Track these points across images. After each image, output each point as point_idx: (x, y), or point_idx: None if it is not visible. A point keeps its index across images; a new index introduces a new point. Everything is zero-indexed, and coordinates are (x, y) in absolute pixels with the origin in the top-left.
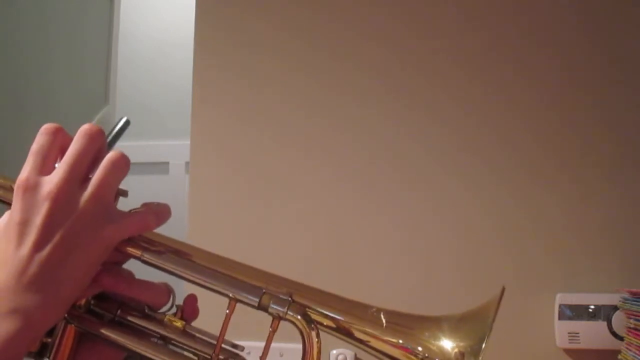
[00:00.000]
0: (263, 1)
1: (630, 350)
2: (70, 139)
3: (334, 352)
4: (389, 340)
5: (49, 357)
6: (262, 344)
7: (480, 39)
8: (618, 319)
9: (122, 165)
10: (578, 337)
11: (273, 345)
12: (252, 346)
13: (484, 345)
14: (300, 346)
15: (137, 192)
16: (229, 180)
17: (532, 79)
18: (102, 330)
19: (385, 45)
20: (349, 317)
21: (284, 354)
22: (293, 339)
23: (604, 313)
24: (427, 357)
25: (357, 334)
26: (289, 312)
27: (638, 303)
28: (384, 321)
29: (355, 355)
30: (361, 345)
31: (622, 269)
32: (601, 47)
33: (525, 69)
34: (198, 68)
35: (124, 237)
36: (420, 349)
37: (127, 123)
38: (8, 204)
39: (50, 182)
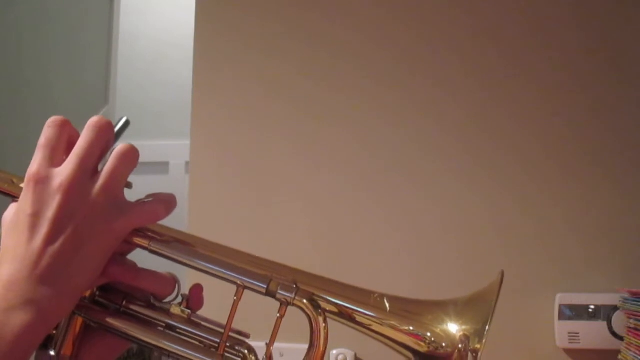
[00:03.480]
0: (263, 1)
1: (630, 350)
2: (76, 132)
3: (334, 352)
4: (393, 325)
5: (54, 348)
6: (261, 344)
7: (481, 40)
8: (618, 319)
9: (132, 157)
10: (578, 337)
11: (273, 345)
12: (259, 346)
13: (487, 328)
14: (300, 346)
15: (137, 192)
16: (229, 180)
17: (533, 79)
18: (108, 320)
19: (385, 46)
20: (352, 303)
21: (284, 354)
22: (293, 339)
23: (604, 313)
24: (433, 342)
25: (360, 319)
26: (296, 298)
27: (638, 303)
28: (387, 306)
29: (356, 355)
30: (365, 330)
31: (622, 269)
32: (602, 48)
33: (526, 69)
34: (198, 68)
35: (135, 228)
36: (428, 334)
37: (127, 123)
38: (12, 197)
39: (62, 175)
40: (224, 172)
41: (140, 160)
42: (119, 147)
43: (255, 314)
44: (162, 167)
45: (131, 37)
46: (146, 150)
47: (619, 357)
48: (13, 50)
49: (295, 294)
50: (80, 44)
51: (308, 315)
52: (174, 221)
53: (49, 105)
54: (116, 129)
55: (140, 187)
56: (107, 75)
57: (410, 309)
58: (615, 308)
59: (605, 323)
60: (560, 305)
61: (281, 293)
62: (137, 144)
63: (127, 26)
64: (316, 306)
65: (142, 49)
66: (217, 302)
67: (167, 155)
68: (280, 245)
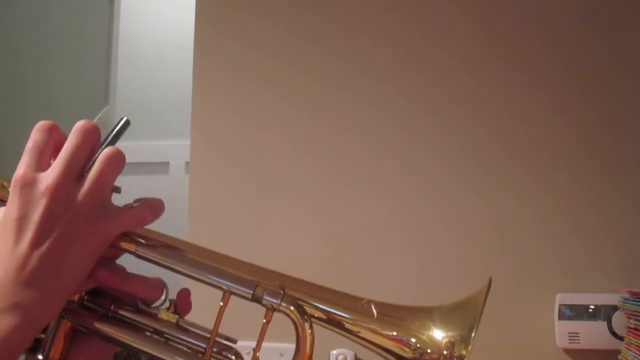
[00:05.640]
0: (263, 1)
1: (630, 350)
2: (65, 136)
3: (334, 352)
4: (379, 331)
5: (42, 353)
6: (254, 344)
7: (482, 39)
8: (618, 319)
9: (118, 160)
10: (578, 337)
11: (273, 345)
12: (251, 346)
13: (473, 334)
14: None
15: (137, 192)
16: (229, 180)
17: (533, 79)
18: (96, 325)
19: (387, 46)
20: (339, 309)
21: (284, 354)
22: (293, 339)
23: (604, 313)
24: (418, 348)
25: (347, 325)
26: (282, 304)
27: (638, 303)
28: (374, 312)
29: (356, 355)
30: (352, 337)
31: (622, 269)
32: (602, 47)
33: (526, 69)
34: (198, 68)
35: (121, 232)
36: (412, 340)
37: (127, 123)
38: (1, 201)
39: (47, 179)
40: (224, 172)
41: (140, 160)
42: (105, 151)
43: (249, 314)
44: (162, 167)
45: (131, 37)
46: (146, 150)
47: (619, 357)
48: (13, 51)
49: (281, 300)
50: (80, 44)
51: (294, 321)
52: (174, 221)
53: (49, 105)
54: (116, 129)
55: (140, 187)
56: (107, 76)
57: (397, 314)
58: (615, 308)
59: (605, 323)
60: (560, 305)
61: (267, 299)
62: (137, 144)
63: (127, 26)
64: (302, 312)
65: (142, 49)
66: (206, 307)
67: (167, 155)
68: (280, 245)
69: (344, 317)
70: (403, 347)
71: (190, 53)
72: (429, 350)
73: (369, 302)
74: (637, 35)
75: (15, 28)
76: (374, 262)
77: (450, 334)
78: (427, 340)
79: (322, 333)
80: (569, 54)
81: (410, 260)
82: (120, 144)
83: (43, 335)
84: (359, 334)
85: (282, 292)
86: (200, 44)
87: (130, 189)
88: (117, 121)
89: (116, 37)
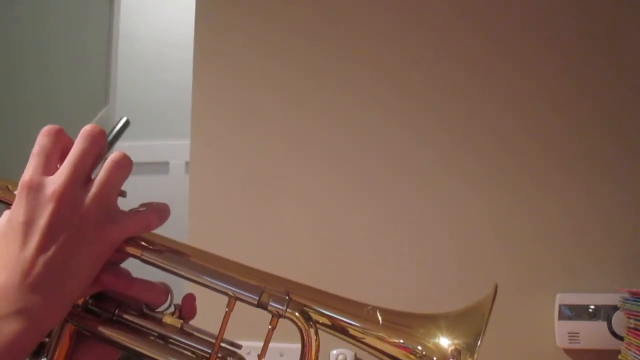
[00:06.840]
0: (263, 1)
1: (630, 350)
2: (71, 140)
3: (334, 352)
4: (385, 338)
5: (46, 357)
6: (262, 344)
7: (482, 39)
8: (618, 319)
9: (125, 165)
10: (578, 337)
11: (273, 345)
12: (251, 346)
13: (479, 342)
14: (300, 346)
15: (137, 192)
16: (229, 180)
17: (533, 79)
18: (101, 329)
19: (387, 46)
20: (344, 315)
21: (284, 354)
22: (293, 339)
23: (604, 313)
24: (424, 355)
25: (353, 332)
26: (288, 310)
27: (638, 303)
28: (380, 319)
29: (355, 355)
30: (357, 343)
31: (622, 269)
32: (602, 48)
33: (526, 69)
34: (198, 68)
35: (127, 237)
36: (418, 347)
37: (127, 123)
38: (6, 204)
39: (55, 183)
40: (224, 172)
41: (140, 160)
42: (112, 155)
43: (249, 316)
44: (162, 167)
45: (131, 37)
46: (146, 150)
47: (619, 357)
48: (13, 51)
49: (287, 306)
50: (80, 44)
51: (299, 327)
52: (175, 222)
53: (49, 106)
54: (116, 130)
55: (140, 187)
56: (107, 75)
57: (402, 322)
58: (615, 308)
59: (605, 323)
60: (560, 305)
61: (272, 305)
62: (137, 144)
63: (127, 26)
64: (307, 318)
65: (142, 49)
66: (211, 312)
67: (167, 155)
68: (280, 245)
69: (349, 323)
70: (409, 354)
71: (190, 53)
72: (435, 358)
73: (374, 308)
74: (637, 35)
75: (15, 28)
76: (372, 260)
77: (456, 341)
78: (433, 348)
79: (323, 333)
80: (569, 54)
81: (411, 260)
82: (120, 144)
83: (47, 339)
84: (364, 341)
85: (287, 298)
86: (200, 44)
87: (130, 189)
88: (117, 121)
89: (116, 37)
